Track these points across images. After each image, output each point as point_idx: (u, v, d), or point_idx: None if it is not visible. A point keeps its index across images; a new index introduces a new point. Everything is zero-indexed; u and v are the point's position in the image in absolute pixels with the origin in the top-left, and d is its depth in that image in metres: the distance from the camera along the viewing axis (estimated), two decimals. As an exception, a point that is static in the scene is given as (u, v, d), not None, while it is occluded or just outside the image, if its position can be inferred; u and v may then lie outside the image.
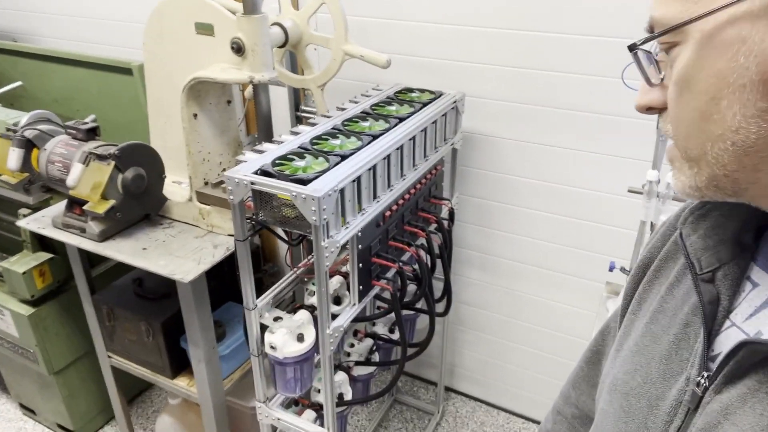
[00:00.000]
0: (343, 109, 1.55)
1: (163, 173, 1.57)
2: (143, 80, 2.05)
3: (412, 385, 2.46)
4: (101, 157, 1.40)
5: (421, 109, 1.55)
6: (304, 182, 1.14)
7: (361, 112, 1.51)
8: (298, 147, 1.30)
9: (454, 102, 1.65)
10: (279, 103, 2.11)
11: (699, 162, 0.43)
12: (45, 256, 1.83)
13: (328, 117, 1.49)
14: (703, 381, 0.47)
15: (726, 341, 0.47)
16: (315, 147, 1.30)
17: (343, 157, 1.25)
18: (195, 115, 1.51)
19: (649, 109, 0.47)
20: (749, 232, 0.50)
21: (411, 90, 1.70)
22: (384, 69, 1.51)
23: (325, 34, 1.55)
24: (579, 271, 1.90)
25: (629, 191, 1.22)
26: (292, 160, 1.24)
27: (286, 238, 1.42)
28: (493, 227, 1.99)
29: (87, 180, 1.40)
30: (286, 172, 1.18)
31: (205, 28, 1.41)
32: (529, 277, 2.01)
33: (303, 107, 2.11)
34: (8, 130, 1.55)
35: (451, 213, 1.72)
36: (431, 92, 1.68)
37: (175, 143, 1.59)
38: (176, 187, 1.66)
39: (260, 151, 1.29)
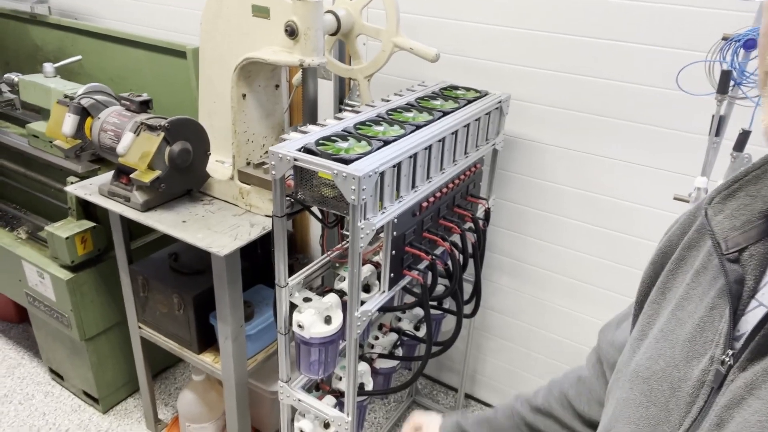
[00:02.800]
0: (387, 101, 1.57)
1: (209, 150, 1.61)
2: (196, 64, 2.12)
3: (432, 388, 2.44)
4: (151, 128, 1.44)
5: (465, 105, 1.55)
6: (345, 162, 1.15)
7: (406, 104, 1.52)
8: (342, 130, 1.31)
9: (499, 102, 1.64)
10: (324, 96, 2.14)
11: None
12: (88, 224, 1.89)
13: (373, 106, 1.51)
14: (727, 359, 0.47)
15: (752, 320, 0.47)
16: (358, 131, 1.32)
17: (386, 143, 1.26)
18: (244, 96, 1.55)
19: None
20: None
21: (456, 87, 1.71)
22: (432, 63, 1.52)
23: (376, 25, 1.57)
24: (610, 284, 1.86)
25: (675, 198, 1.19)
26: (335, 141, 1.26)
27: (323, 220, 1.43)
28: (527, 234, 1.97)
29: (136, 149, 1.45)
30: (329, 152, 1.20)
31: (261, 11, 1.45)
32: (558, 287, 1.98)
33: (347, 101, 2.13)
34: (66, 97, 1.61)
35: (487, 213, 1.71)
36: (477, 91, 1.68)
37: (221, 123, 1.63)
38: (219, 166, 1.70)
39: (304, 132, 1.31)
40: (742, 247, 0.48)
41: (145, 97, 1.56)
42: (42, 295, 2.01)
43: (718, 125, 1.05)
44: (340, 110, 2.10)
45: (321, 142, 1.24)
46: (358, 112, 1.46)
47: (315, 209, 1.32)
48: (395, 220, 1.29)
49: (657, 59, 1.53)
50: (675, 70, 1.45)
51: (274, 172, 1.21)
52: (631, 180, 1.71)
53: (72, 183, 1.76)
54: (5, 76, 2.12)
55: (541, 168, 1.85)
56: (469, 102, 1.58)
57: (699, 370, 0.49)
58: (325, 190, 1.23)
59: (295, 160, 1.18)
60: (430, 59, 1.50)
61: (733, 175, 0.52)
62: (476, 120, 1.54)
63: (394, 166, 1.23)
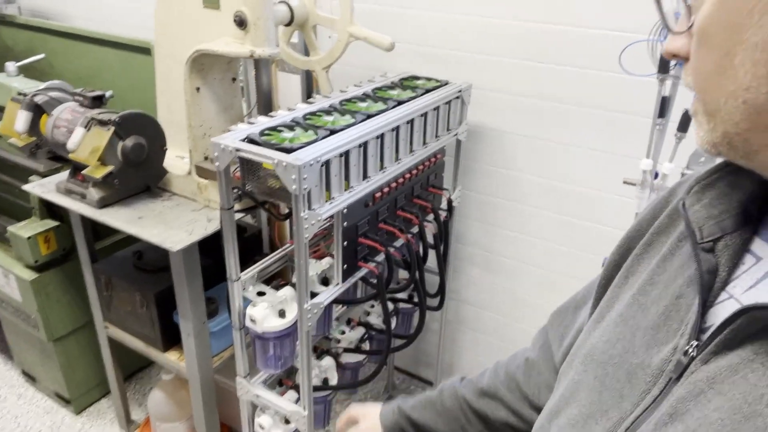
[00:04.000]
0: (345, 92, 1.55)
1: (164, 145, 1.59)
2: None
3: (410, 383, 2.42)
4: (102, 123, 1.42)
5: (423, 94, 1.53)
6: (287, 151, 1.13)
7: (362, 94, 1.50)
8: (291, 120, 1.29)
9: (459, 91, 1.62)
10: (292, 90, 2.13)
11: (714, 117, 0.42)
12: (51, 223, 1.87)
13: (328, 97, 1.49)
14: (691, 350, 0.45)
15: (722, 312, 0.45)
16: (307, 122, 1.30)
17: (333, 132, 1.24)
18: (198, 89, 1.53)
19: (674, 56, 0.46)
20: (755, 203, 0.48)
21: (417, 78, 1.69)
22: (388, 52, 1.50)
23: (330, 14, 1.55)
24: (578, 273, 1.84)
25: (624, 182, 1.17)
26: (280, 131, 1.24)
27: (274, 212, 1.42)
28: (495, 224, 1.95)
29: (87, 144, 1.43)
30: (273, 142, 1.18)
31: (211, 2, 1.43)
32: (532, 279, 1.96)
33: (315, 94, 2.11)
34: (19, 94, 1.60)
35: (450, 204, 1.69)
36: (437, 81, 1.66)
37: (179, 117, 1.61)
38: (178, 161, 1.68)
39: (252, 123, 1.29)
40: (718, 236, 0.47)
41: (98, 92, 1.54)
42: (8, 296, 1.99)
43: (662, 106, 1.03)
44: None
45: (266, 132, 1.22)
46: (311, 102, 1.45)
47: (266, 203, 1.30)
48: (345, 210, 1.27)
49: (607, 43, 1.51)
50: (635, 57, 1.44)
51: (217, 164, 1.19)
52: (586, 166, 1.69)
53: (34, 182, 1.74)
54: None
55: (506, 157, 1.83)
56: (428, 91, 1.56)
57: (659, 359, 0.48)
58: (271, 181, 1.21)
59: (238, 150, 1.16)
60: (385, 48, 1.48)
61: (713, 164, 0.51)
62: (434, 109, 1.52)
63: (341, 155, 1.21)
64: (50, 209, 1.89)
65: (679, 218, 0.53)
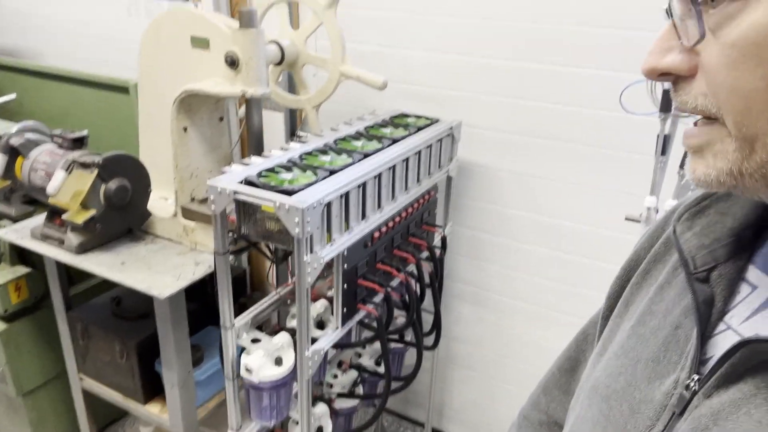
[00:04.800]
0: (336, 130, 1.53)
1: (149, 187, 1.53)
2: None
3: (399, 425, 2.35)
4: (84, 165, 1.36)
5: (415, 132, 1.52)
6: (288, 193, 1.10)
7: (355, 133, 1.48)
8: (287, 161, 1.26)
9: (450, 128, 1.62)
10: (275, 128, 2.10)
11: (754, 143, 0.37)
12: (23, 270, 1.77)
13: (321, 136, 1.46)
14: (693, 384, 0.44)
15: (721, 343, 0.44)
16: (304, 162, 1.27)
17: (332, 172, 1.21)
18: (185, 129, 1.49)
19: (663, 75, 0.41)
20: (748, 229, 0.47)
21: (407, 115, 1.68)
22: (380, 91, 1.50)
23: (321, 54, 1.54)
24: (570, 309, 1.83)
25: (626, 219, 1.18)
26: (278, 172, 1.20)
27: (270, 255, 1.37)
28: (486, 260, 1.94)
29: (68, 188, 1.36)
30: (272, 183, 1.14)
31: (200, 42, 1.40)
32: (522, 314, 1.94)
33: (300, 132, 2.09)
34: (-5, 136, 1.52)
35: (444, 241, 1.67)
36: (428, 118, 1.66)
37: (163, 158, 1.56)
38: (162, 203, 1.62)
39: (247, 164, 1.26)
40: (711, 266, 0.47)
41: (78, 133, 1.48)
42: (-27, 349, 1.85)
43: (664, 144, 1.05)
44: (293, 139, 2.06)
45: (264, 173, 1.18)
46: (305, 142, 1.42)
47: (261, 245, 1.25)
48: (345, 252, 1.23)
49: (602, 82, 1.54)
50: (619, 92, 1.47)
51: (213, 207, 1.14)
52: (582, 203, 1.70)
53: (3, 227, 1.65)
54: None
55: (496, 193, 1.83)
56: (420, 129, 1.56)
57: (661, 393, 0.47)
58: (269, 223, 1.17)
59: (236, 193, 1.12)
60: (378, 87, 1.47)
61: (701, 192, 0.51)
62: (427, 147, 1.51)
63: (341, 196, 1.18)
64: (21, 255, 1.79)
65: (674, 246, 0.52)
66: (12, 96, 2.06)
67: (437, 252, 1.62)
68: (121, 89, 2.07)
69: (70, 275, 1.73)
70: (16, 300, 1.76)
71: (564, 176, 1.71)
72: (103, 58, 2.40)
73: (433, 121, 1.64)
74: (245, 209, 1.18)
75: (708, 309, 0.45)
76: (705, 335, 0.45)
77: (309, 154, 1.32)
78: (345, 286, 1.26)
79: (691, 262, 0.47)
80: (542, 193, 1.75)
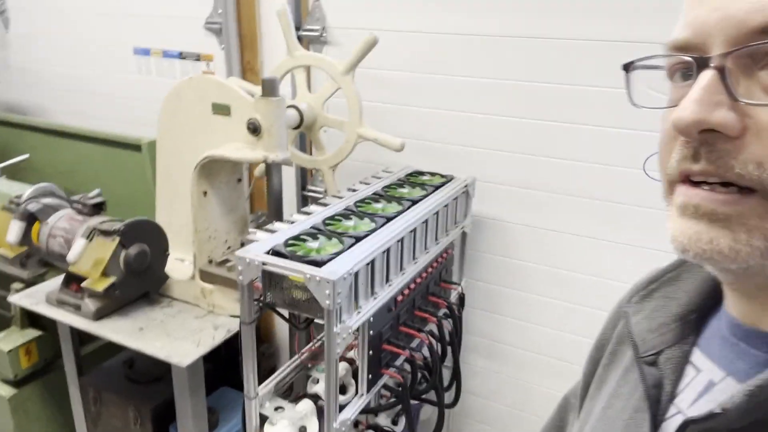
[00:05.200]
0: (354, 191, 1.54)
1: (167, 250, 1.53)
2: (152, 157, 2.07)
3: (413, 482, 2.29)
4: (106, 233, 1.36)
5: (433, 192, 1.54)
6: (317, 264, 1.10)
7: (373, 194, 1.50)
8: (311, 227, 1.27)
9: (466, 186, 1.64)
10: (286, 183, 2.11)
11: None
12: (33, 333, 1.74)
13: (340, 198, 1.48)
14: None
15: (672, 427, 0.45)
16: (328, 228, 1.27)
17: (357, 239, 1.22)
18: (205, 193, 1.49)
19: (704, 132, 0.37)
20: (694, 313, 0.49)
21: (422, 173, 1.70)
22: (398, 152, 1.52)
23: (339, 116, 1.57)
24: (591, 362, 1.82)
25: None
26: (305, 240, 1.21)
27: (293, 322, 1.36)
28: (501, 313, 1.93)
29: (89, 256, 1.35)
30: (299, 253, 1.14)
31: (221, 109, 1.42)
32: (539, 367, 1.92)
33: (310, 187, 2.10)
34: (11, 202, 1.52)
35: (462, 298, 1.67)
36: (442, 176, 1.68)
37: (181, 220, 1.56)
38: (178, 265, 1.61)
39: (271, 231, 1.26)
40: (659, 350, 0.48)
41: (97, 199, 1.48)
42: (-21, 415, 1.81)
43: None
44: (304, 198, 2.07)
45: (290, 242, 1.19)
46: (325, 204, 1.43)
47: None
48: (371, 318, 1.23)
49: (616, 138, 1.57)
50: (631, 149, 1.50)
51: (241, 278, 1.14)
52: (597, 255, 1.71)
53: (17, 290, 1.63)
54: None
55: (510, 246, 1.84)
56: (437, 188, 1.57)
57: None
58: (296, 292, 1.16)
59: (264, 264, 1.11)
60: (396, 149, 1.50)
61: (650, 274, 0.52)
62: (445, 206, 1.53)
63: (368, 264, 1.18)
64: (32, 316, 1.77)
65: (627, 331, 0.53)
66: (25, 156, 2.07)
67: (456, 309, 1.61)
68: (133, 147, 2.08)
69: (80, 335, 1.70)
70: (26, 364, 1.72)
71: (579, 229, 1.72)
72: (112, 115, 2.43)
73: (448, 179, 1.66)
74: (272, 278, 1.18)
75: (658, 392, 0.46)
76: (657, 419, 0.46)
77: (332, 218, 1.32)
78: (370, 352, 1.25)
79: (640, 345, 0.49)
80: (557, 246, 1.76)
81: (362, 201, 1.45)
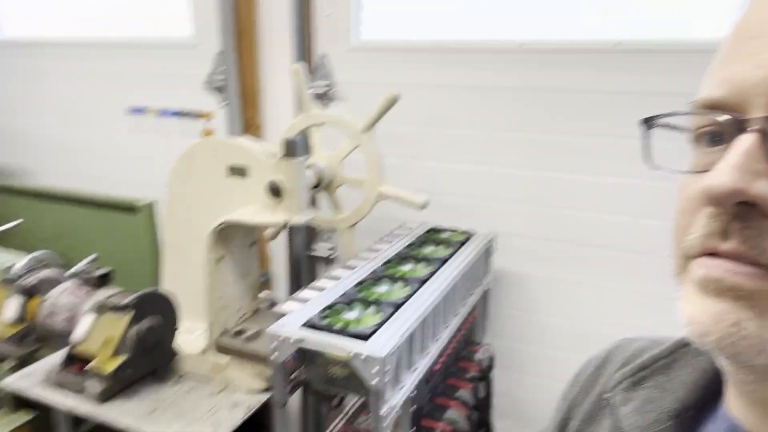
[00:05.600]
0: (375, 251, 1.48)
1: (176, 324, 1.42)
2: (148, 219, 1.98)
3: None
4: (116, 308, 1.25)
5: (458, 249, 1.48)
6: (361, 337, 1.02)
7: (398, 255, 1.43)
8: (343, 295, 1.19)
9: (489, 242, 1.59)
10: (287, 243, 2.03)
11: None
12: (25, 416, 1.59)
13: (365, 259, 1.41)
14: None
15: None
16: (361, 295, 1.20)
17: (396, 307, 1.14)
18: (219, 259, 1.41)
19: (741, 204, 0.32)
20: (690, 411, 0.43)
21: (441, 230, 1.65)
22: (421, 210, 1.47)
23: (357, 175, 1.51)
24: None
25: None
26: (340, 311, 1.13)
27: (327, 399, 1.26)
28: (523, 371, 1.85)
29: (98, 334, 1.24)
30: (338, 326, 1.06)
31: (238, 171, 1.36)
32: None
33: (314, 246, 2.02)
34: (8, 277, 1.40)
35: (491, 359, 1.59)
36: (461, 232, 1.63)
37: (190, 288, 1.46)
38: (187, 336, 1.50)
39: (301, 300, 1.18)
40: None
41: (103, 270, 1.38)
42: None
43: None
44: (309, 258, 1.99)
45: (325, 313, 1.11)
46: (351, 267, 1.35)
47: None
48: (413, 392, 1.14)
49: (638, 191, 1.55)
50: (657, 201, 1.48)
51: (275, 356, 1.05)
52: (621, 309, 1.66)
53: (9, 369, 1.49)
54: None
55: (532, 302, 1.78)
56: (461, 245, 1.52)
57: None
58: (334, 369, 1.08)
59: (301, 341, 1.03)
60: (419, 207, 1.44)
61: (640, 359, 0.47)
62: (471, 266, 1.47)
63: (410, 335, 1.10)
64: (23, 397, 1.61)
65: (608, 410, 0.48)
66: (19, 221, 1.95)
67: (488, 373, 1.53)
68: (128, 209, 1.99)
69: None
70: (16, 453, 1.56)
71: (603, 283, 1.68)
72: (104, 176, 2.33)
73: (469, 235, 1.61)
74: (305, 353, 1.09)
75: None
76: None
77: (362, 284, 1.25)
78: (414, 429, 1.16)
79: None
80: (581, 300, 1.71)
81: (389, 263, 1.38)
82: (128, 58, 2.20)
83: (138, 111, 2.22)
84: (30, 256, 1.57)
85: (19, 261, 1.56)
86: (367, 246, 1.51)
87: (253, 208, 1.35)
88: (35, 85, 2.44)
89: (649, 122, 0.40)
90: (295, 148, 1.29)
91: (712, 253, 0.34)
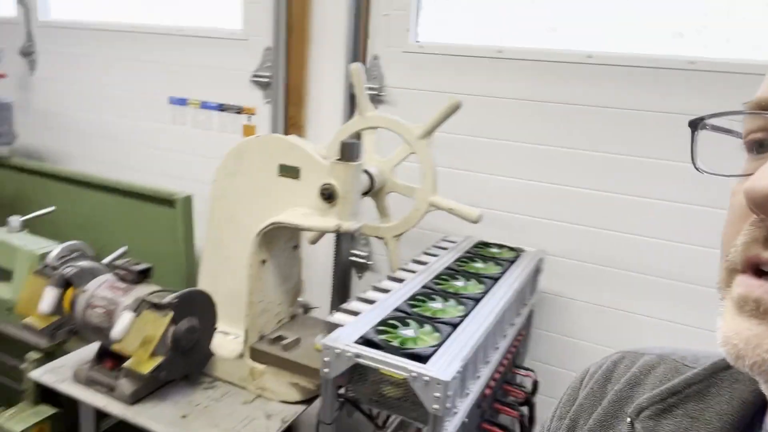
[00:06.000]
0: (421, 263, 1.41)
1: (214, 325, 1.37)
2: (185, 213, 1.93)
3: None
4: (157, 307, 1.20)
5: (509, 267, 1.41)
6: (421, 358, 0.95)
7: (448, 269, 1.36)
8: (396, 310, 1.12)
9: (538, 262, 1.52)
10: (324, 246, 1.98)
11: None
12: (47, 410, 1.54)
13: (413, 272, 1.34)
14: None
15: None
16: (415, 310, 1.13)
17: (453, 327, 1.07)
18: (263, 262, 1.35)
19: None
20: None
21: (488, 245, 1.58)
22: (474, 224, 1.40)
23: (409, 183, 1.45)
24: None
25: None
26: (395, 327, 1.06)
27: (373, 418, 1.19)
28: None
29: (137, 332, 1.19)
30: (395, 343, 1.00)
31: (289, 171, 1.30)
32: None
33: (353, 251, 1.96)
34: (43, 269, 1.36)
35: (535, 384, 1.51)
36: (510, 248, 1.56)
37: (229, 289, 1.41)
38: (222, 339, 1.45)
39: (353, 312, 1.12)
40: None
41: (143, 264, 1.33)
42: (-26, 504, 1.57)
43: None
44: (350, 262, 1.93)
45: (380, 328, 1.04)
46: (399, 280, 1.29)
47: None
48: (466, 419, 1.07)
49: (689, 215, 1.48)
50: (710, 226, 1.40)
51: (327, 370, 0.99)
52: (671, 340, 1.58)
53: (34, 360, 1.45)
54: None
55: (574, 326, 1.70)
56: (510, 263, 1.45)
57: None
58: (387, 388, 1.01)
59: (358, 356, 0.97)
60: (473, 221, 1.38)
61: (669, 383, 0.43)
62: (521, 285, 1.40)
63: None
64: (45, 390, 1.57)
65: (624, 417, 0.44)
66: (51, 209, 1.91)
67: (532, 399, 1.46)
68: (166, 202, 1.94)
69: (99, 412, 1.51)
70: (37, 447, 1.51)
71: (651, 311, 1.60)
72: (141, 165, 2.30)
73: (518, 252, 1.54)
74: (357, 369, 1.03)
75: None
76: None
77: (414, 299, 1.19)
78: (463, 458, 1.09)
79: None
80: (627, 327, 1.63)
81: (439, 278, 1.31)
82: (173, 48, 2.16)
83: (179, 102, 2.18)
84: (64, 244, 1.52)
85: (52, 249, 1.51)
86: (411, 257, 1.45)
87: (303, 211, 1.29)
88: (78, 70, 2.42)
89: (697, 123, 0.38)
90: (353, 151, 1.23)
91: (757, 270, 0.31)
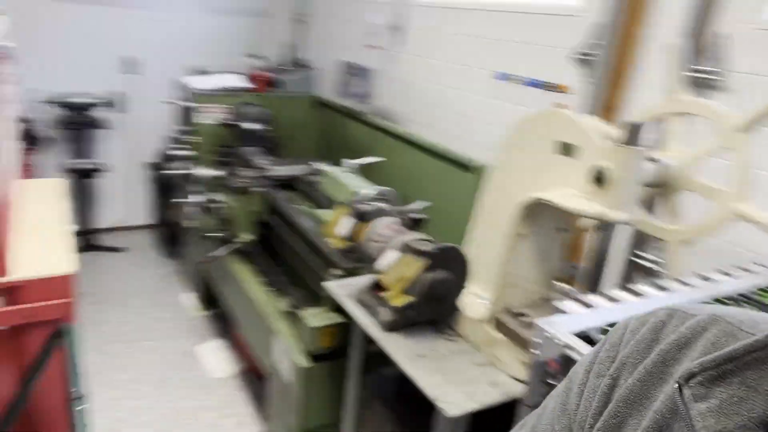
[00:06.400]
0: (706, 279, 1.18)
1: (464, 284, 1.44)
2: (477, 181, 2.03)
3: None
4: (416, 252, 1.34)
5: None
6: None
7: (739, 295, 1.11)
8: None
9: None
10: (614, 239, 1.82)
11: None
12: (338, 318, 1.87)
13: (685, 284, 1.14)
14: None
15: None
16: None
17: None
18: (522, 235, 1.35)
19: None
20: None
21: (819, 283, 1.21)
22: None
23: (712, 183, 1.22)
24: None
25: None
26: (627, 332, 0.94)
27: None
28: None
29: (396, 270, 1.36)
30: (616, 349, 0.89)
31: (566, 149, 1.25)
32: None
33: (640, 253, 1.76)
34: (349, 202, 1.65)
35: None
36: None
37: (489, 256, 1.45)
38: (472, 299, 1.51)
39: (586, 304, 1.03)
40: None
41: (419, 215, 1.48)
42: (279, 373, 2.06)
43: None
44: (630, 263, 1.74)
45: (607, 328, 0.94)
46: (663, 288, 1.12)
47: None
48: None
49: None
50: None
51: (537, 352, 0.95)
52: None
53: (335, 275, 1.77)
54: (315, 165, 2.35)
55: None
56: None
57: None
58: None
59: (567, 347, 0.90)
60: (790, 243, 1.08)
61: (726, 349, 0.38)
62: None
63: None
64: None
65: (669, 378, 0.40)
66: (381, 159, 2.27)
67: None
68: (463, 167, 2.08)
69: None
70: (325, 344, 1.87)
71: None
72: (458, 133, 2.50)
73: None
74: (570, 363, 0.95)
75: None
76: None
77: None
78: None
79: None
80: None
81: (718, 300, 1.08)
82: (503, 24, 2.25)
83: (503, 77, 2.27)
84: (377, 189, 1.81)
85: (367, 190, 1.81)
86: (698, 270, 1.22)
87: (568, 192, 1.23)
88: (428, 45, 2.75)
89: None
90: (638, 134, 1.10)
91: None
